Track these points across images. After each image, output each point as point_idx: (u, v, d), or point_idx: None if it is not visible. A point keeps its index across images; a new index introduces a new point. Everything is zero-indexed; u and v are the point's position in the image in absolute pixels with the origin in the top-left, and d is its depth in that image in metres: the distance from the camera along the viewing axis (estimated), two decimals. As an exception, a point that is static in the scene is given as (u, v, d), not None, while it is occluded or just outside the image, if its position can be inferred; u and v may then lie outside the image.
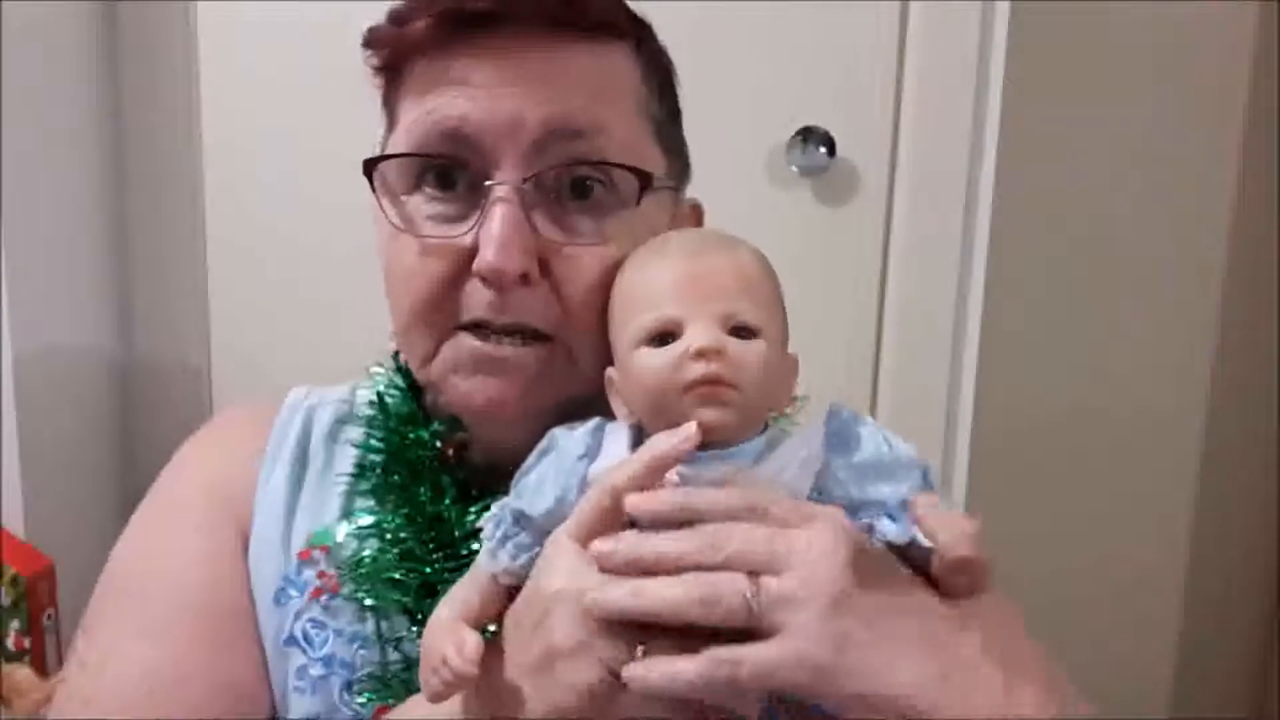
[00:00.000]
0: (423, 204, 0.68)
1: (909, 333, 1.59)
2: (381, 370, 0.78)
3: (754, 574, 0.53)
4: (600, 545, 0.56)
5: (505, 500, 0.63)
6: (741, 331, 0.59)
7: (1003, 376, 1.59)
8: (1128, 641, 1.65)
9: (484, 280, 0.65)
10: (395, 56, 0.70)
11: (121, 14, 1.65)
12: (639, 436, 0.61)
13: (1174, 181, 1.55)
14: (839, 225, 1.58)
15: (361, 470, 0.75)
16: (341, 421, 0.79)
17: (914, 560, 0.59)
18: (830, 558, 0.54)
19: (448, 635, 0.58)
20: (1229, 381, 1.60)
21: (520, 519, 0.61)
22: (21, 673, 1.39)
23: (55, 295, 1.59)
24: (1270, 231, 1.59)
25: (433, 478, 0.72)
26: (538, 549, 0.60)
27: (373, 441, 0.74)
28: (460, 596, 0.62)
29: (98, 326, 1.69)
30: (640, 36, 0.72)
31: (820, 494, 0.59)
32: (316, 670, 0.71)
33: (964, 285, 1.57)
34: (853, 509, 0.58)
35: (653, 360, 0.59)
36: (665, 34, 1.70)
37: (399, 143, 0.69)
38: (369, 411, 0.76)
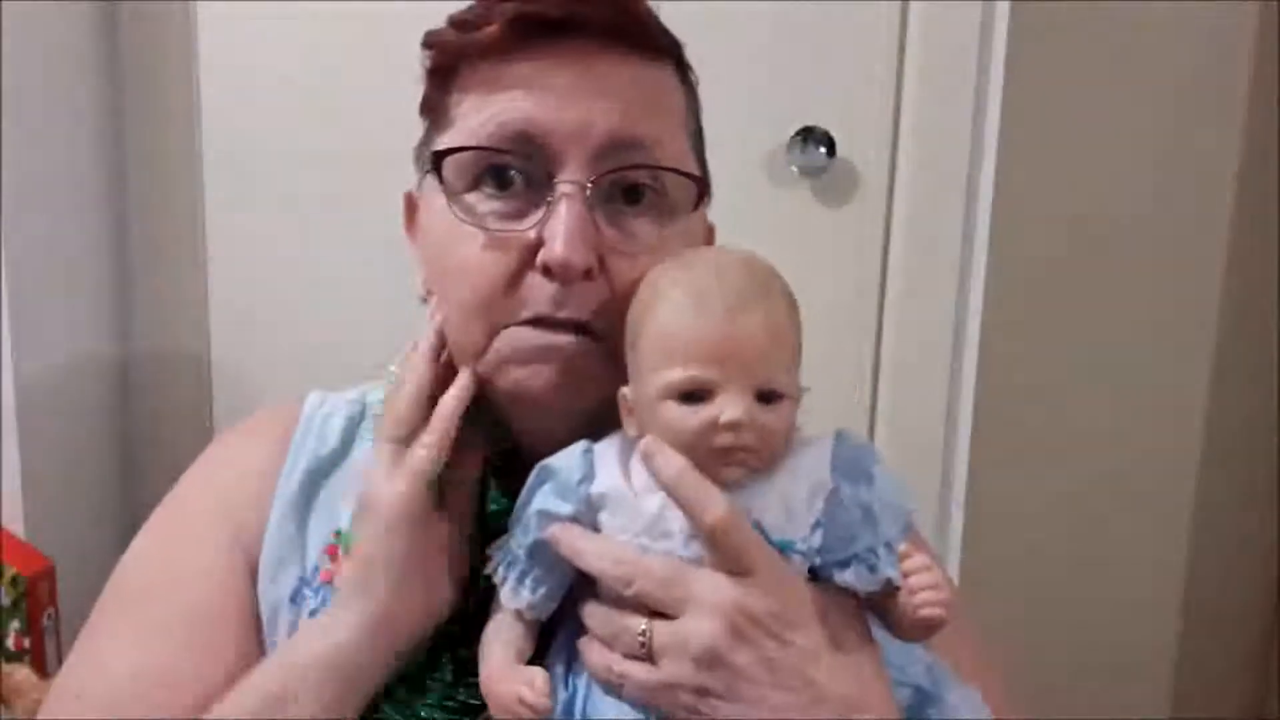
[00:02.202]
0: (480, 202, 0.70)
1: (909, 333, 1.59)
2: (396, 370, 0.78)
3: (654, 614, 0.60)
4: (568, 532, 0.63)
5: (508, 540, 0.65)
6: (769, 396, 0.61)
7: (1003, 376, 1.59)
8: (1128, 641, 1.65)
9: (549, 273, 0.66)
10: (456, 59, 0.71)
11: (121, 14, 1.65)
12: (626, 455, 0.64)
13: (1174, 181, 1.55)
14: (839, 225, 1.58)
15: None
16: (354, 422, 0.80)
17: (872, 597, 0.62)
18: (715, 612, 0.58)
19: (513, 677, 0.61)
20: (1229, 381, 1.60)
21: (535, 552, 0.64)
22: (21, 673, 1.39)
23: (55, 296, 1.59)
24: (1270, 231, 1.59)
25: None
26: (554, 579, 0.64)
27: None
28: (502, 641, 0.64)
29: (97, 327, 1.69)
30: (679, 59, 0.75)
31: (827, 518, 0.61)
32: None
33: (964, 285, 1.57)
34: (849, 541, 0.61)
35: (682, 420, 0.60)
36: (665, 34, 1.69)
37: (461, 141, 0.70)
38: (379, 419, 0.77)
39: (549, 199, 0.67)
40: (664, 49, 0.73)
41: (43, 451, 1.56)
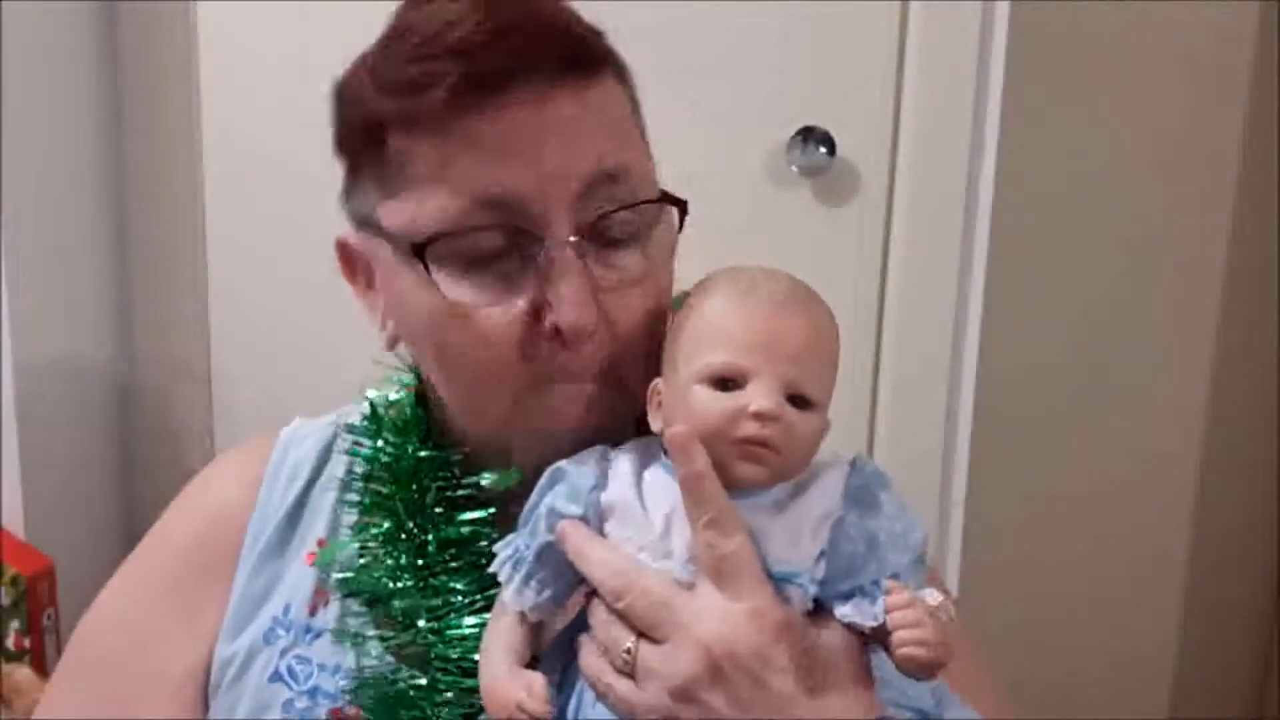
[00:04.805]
0: (465, 274, 0.66)
1: (909, 333, 1.59)
2: (375, 393, 0.78)
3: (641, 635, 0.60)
4: (576, 531, 0.62)
5: (515, 539, 0.65)
6: (799, 400, 0.60)
7: (1003, 377, 1.59)
8: (1128, 641, 1.65)
9: (560, 337, 0.65)
10: (391, 123, 0.66)
11: (121, 14, 1.65)
12: (640, 467, 0.63)
13: (1174, 181, 1.55)
14: (839, 225, 1.58)
15: (350, 485, 0.77)
16: (328, 445, 0.80)
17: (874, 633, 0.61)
18: (697, 647, 0.58)
19: (513, 682, 0.61)
20: (1229, 381, 1.60)
21: (542, 554, 0.63)
22: (21, 673, 1.40)
23: (55, 296, 1.59)
24: (1270, 231, 1.59)
25: (424, 492, 0.73)
26: (561, 582, 0.63)
27: (365, 452, 0.76)
28: (503, 644, 0.63)
29: (97, 327, 1.69)
30: (617, 62, 0.71)
31: (831, 547, 0.60)
32: (302, 703, 0.73)
33: (964, 285, 1.57)
34: (852, 572, 0.60)
35: (710, 404, 0.60)
36: (665, 35, 1.71)
37: (435, 219, 0.65)
38: (353, 434, 0.78)
39: (537, 259, 0.65)
40: (604, 62, 0.69)
41: (43, 452, 1.56)
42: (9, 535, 1.49)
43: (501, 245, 0.66)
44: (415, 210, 0.66)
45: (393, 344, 0.74)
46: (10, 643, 1.46)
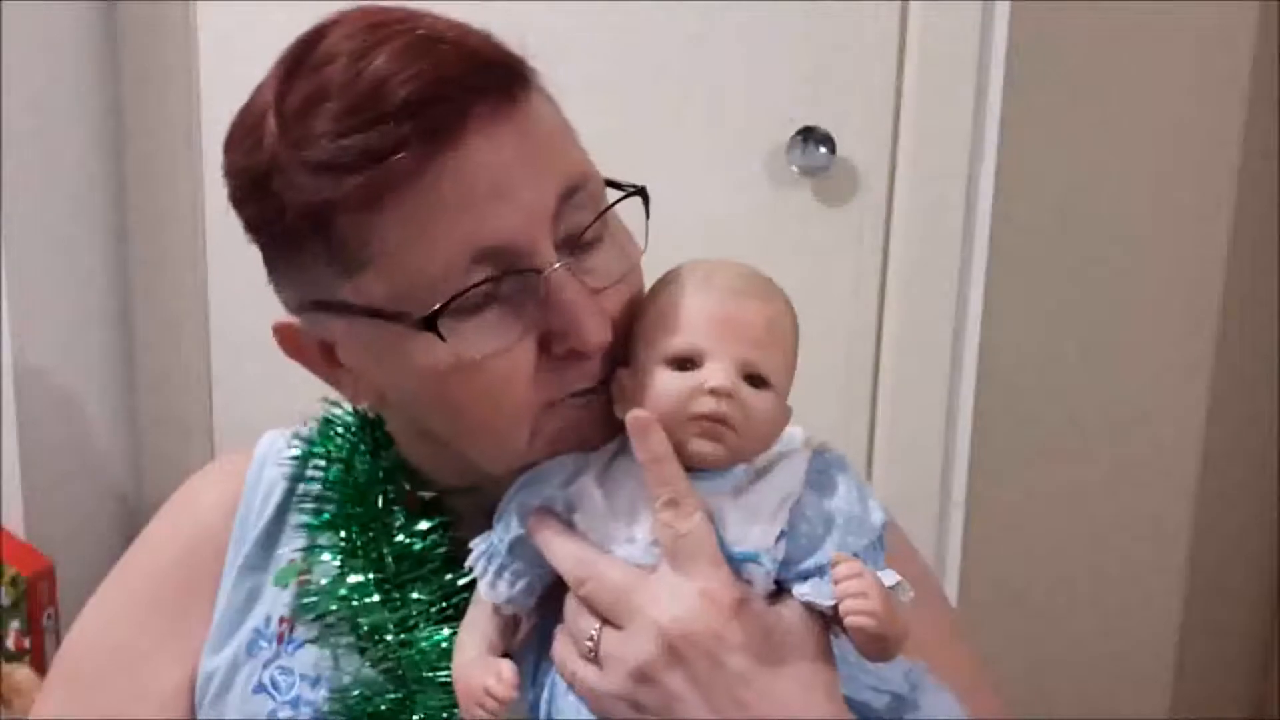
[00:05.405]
0: (469, 321, 0.64)
1: (909, 333, 1.59)
2: (323, 413, 0.79)
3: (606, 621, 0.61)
4: (544, 523, 0.64)
5: (490, 535, 0.66)
6: (755, 380, 0.62)
7: (1003, 377, 1.59)
8: (1128, 641, 1.66)
9: (582, 356, 0.64)
10: (344, 208, 0.63)
11: (121, 14, 1.65)
12: (610, 461, 0.64)
13: (1174, 181, 1.55)
14: (839, 225, 1.58)
15: (313, 504, 0.77)
16: (303, 460, 0.80)
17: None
18: (654, 630, 0.59)
19: (482, 669, 0.62)
20: (1229, 381, 1.60)
21: (515, 547, 0.64)
22: (21, 673, 1.40)
23: (55, 296, 1.59)
24: (1270, 231, 1.59)
25: (373, 506, 0.74)
26: (534, 573, 0.64)
27: (317, 473, 0.77)
28: (476, 634, 0.65)
29: (98, 327, 1.69)
30: (531, 66, 0.68)
31: (789, 528, 0.61)
32: (285, 713, 0.73)
33: (964, 285, 1.57)
34: (809, 552, 0.61)
35: (670, 383, 0.62)
36: (666, 35, 1.71)
37: (425, 284, 0.63)
38: (303, 457, 0.78)
39: (533, 290, 0.63)
40: (527, 71, 0.67)
41: (43, 452, 1.56)
42: (9, 535, 1.49)
43: (493, 288, 0.64)
44: (400, 282, 0.63)
45: (381, 406, 0.73)
46: (10, 643, 1.46)
